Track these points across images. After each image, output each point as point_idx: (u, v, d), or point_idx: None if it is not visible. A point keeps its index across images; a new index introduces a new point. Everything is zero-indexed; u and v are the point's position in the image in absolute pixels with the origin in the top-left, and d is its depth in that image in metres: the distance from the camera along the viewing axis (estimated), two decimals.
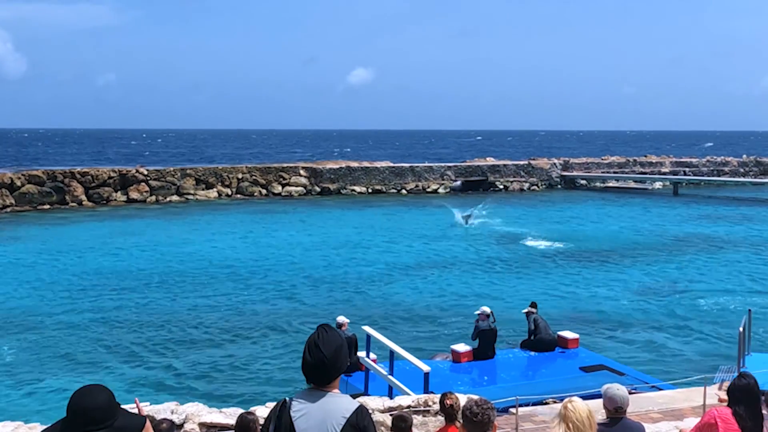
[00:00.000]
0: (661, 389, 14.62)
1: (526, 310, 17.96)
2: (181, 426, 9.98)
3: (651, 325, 21.31)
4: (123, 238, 35.97)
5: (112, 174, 52.66)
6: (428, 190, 60.14)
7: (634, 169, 69.82)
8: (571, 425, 5.12)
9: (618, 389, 6.01)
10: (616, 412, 5.96)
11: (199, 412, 10.33)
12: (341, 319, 16.76)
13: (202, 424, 10.07)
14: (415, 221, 42.77)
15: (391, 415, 10.20)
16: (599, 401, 6.38)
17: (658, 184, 66.16)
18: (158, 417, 9.75)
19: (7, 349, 18.94)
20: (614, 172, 68.25)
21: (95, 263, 30.04)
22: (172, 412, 10.17)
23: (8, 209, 46.93)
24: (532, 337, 17.57)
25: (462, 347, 16.98)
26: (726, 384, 13.62)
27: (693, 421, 10.97)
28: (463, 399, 8.82)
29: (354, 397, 12.17)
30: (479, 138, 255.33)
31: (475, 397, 5.87)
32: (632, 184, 66.43)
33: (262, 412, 10.30)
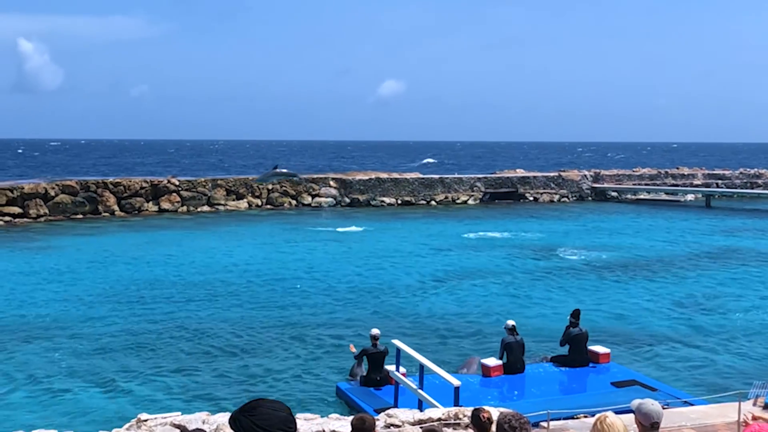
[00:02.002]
0: (693, 405, 14.48)
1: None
2: None
3: (684, 339, 21.08)
4: (157, 248, 36.30)
5: (144, 184, 53.21)
6: (458, 201, 60.12)
7: (666, 181, 69.29)
8: None
9: (652, 404, 5.97)
10: (651, 427, 5.92)
11: None
12: (375, 331, 16.78)
13: None
14: (446, 232, 42.72)
15: (421, 427, 10.19)
16: (631, 416, 6.34)
17: (690, 197, 65.58)
18: (190, 427, 9.84)
19: (41, 357, 19.15)
20: (645, 184, 67.76)
21: (130, 272, 30.33)
22: (204, 422, 10.25)
23: (42, 219, 47.57)
24: (566, 352, 17.49)
25: (492, 361, 16.96)
26: (761, 399, 13.46)
27: None
28: (494, 413, 8.80)
29: (383, 410, 12.20)
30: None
31: (508, 410, 5.86)
32: (664, 197, 65.92)
33: None
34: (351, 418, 7.03)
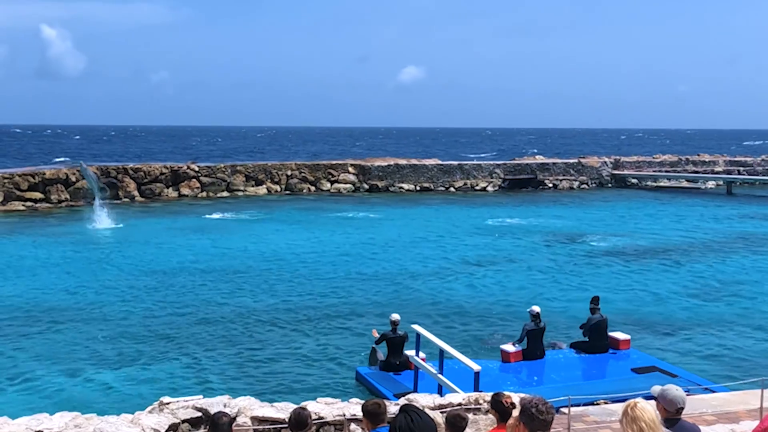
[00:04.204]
0: (714, 392, 14.41)
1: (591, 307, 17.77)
2: (233, 419, 10.08)
3: (704, 326, 20.98)
4: (178, 234, 36.48)
5: (164, 170, 53.44)
6: (477, 188, 59.95)
7: (687, 168, 68.71)
8: (644, 426, 5.07)
9: (676, 390, 5.94)
10: (676, 413, 5.90)
11: (251, 405, 10.44)
12: (395, 316, 16.81)
13: (254, 418, 10.18)
14: (466, 219, 42.65)
15: (441, 412, 10.19)
16: (652, 402, 6.30)
17: (711, 184, 65.02)
18: (212, 411, 9.88)
19: (62, 342, 19.33)
20: (666, 171, 67.27)
21: (152, 258, 30.45)
22: (225, 406, 10.29)
23: (63, 204, 47.89)
24: (586, 338, 17.45)
25: (511, 347, 16.94)
26: None
27: (749, 424, 10.78)
28: (514, 398, 8.80)
29: (403, 395, 12.21)
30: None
31: (530, 396, 5.84)
32: (684, 184, 65.41)
33: (313, 407, 10.38)
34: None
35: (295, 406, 8.74)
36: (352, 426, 10.18)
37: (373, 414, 6.49)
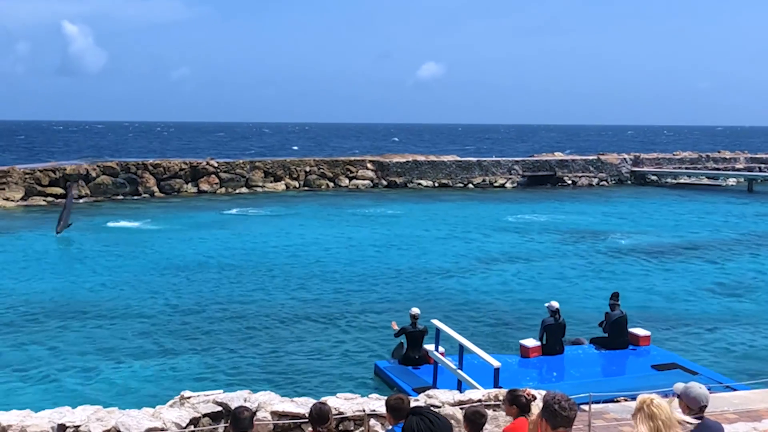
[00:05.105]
0: (735, 390, 14.32)
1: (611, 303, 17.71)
2: (254, 413, 10.11)
3: (725, 323, 20.85)
4: (198, 230, 36.63)
5: (183, 166, 53.68)
6: (495, 184, 59.79)
7: (707, 165, 68.24)
8: (660, 423, 5.04)
9: (700, 388, 5.91)
10: (699, 411, 5.87)
11: (271, 400, 10.47)
12: (414, 310, 16.81)
13: (274, 413, 10.20)
14: (486, 215, 42.57)
15: (461, 408, 10.18)
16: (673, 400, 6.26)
17: (731, 181, 64.52)
18: (232, 405, 9.92)
19: (84, 336, 19.47)
20: (686, 168, 66.82)
21: (173, 253, 30.60)
22: (245, 400, 10.33)
23: (84, 199, 48.21)
24: (605, 335, 17.37)
25: (531, 342, 16.89)
26: None
27: None
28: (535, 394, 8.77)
29: (423, 390, 12.21)
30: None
31: (553, 392, 5.81)
32: (705, 181, 64.95)
33: (333, 402, 10.39)
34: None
35: (315, 401, 8.76)
36: (372, 421, 10.19)
37: (396, 409, 6.54)
